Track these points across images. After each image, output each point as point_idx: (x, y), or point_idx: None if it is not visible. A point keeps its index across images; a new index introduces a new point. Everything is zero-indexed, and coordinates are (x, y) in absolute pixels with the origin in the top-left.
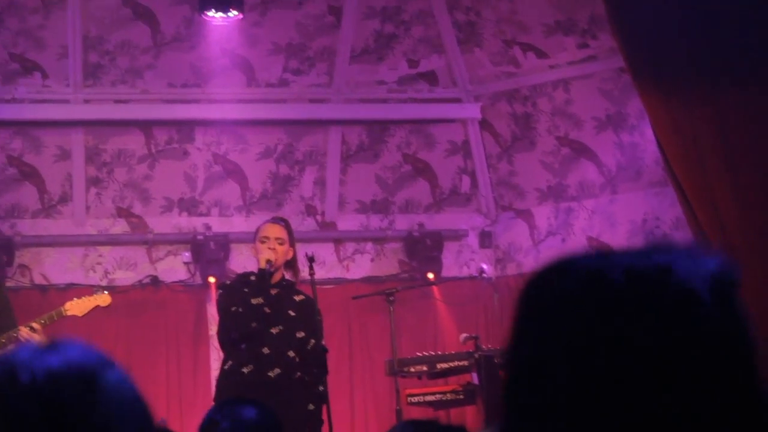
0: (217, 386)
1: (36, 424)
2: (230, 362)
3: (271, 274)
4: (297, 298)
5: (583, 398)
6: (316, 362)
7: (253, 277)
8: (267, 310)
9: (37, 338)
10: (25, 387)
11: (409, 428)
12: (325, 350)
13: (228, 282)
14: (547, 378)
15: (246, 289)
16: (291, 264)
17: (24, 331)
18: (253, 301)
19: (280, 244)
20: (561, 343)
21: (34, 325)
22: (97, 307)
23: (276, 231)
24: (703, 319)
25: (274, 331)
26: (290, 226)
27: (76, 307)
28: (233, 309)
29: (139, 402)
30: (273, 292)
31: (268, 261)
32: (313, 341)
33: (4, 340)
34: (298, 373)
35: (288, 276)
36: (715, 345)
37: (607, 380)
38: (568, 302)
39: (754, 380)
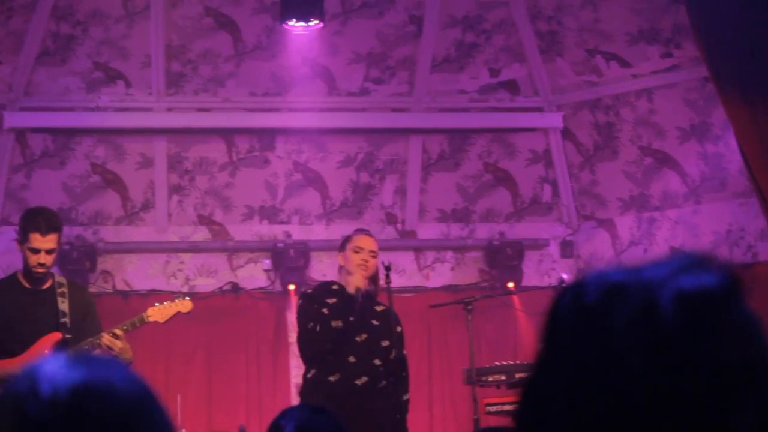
0: (302, 395)
1: None
2: (314, 371)
3: (357, 301)
4: (378, 308)
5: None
6: (400, 371)
7: (335, 286)
8: (351, 318)
9: (119, 345)
10: (45, 399)
11: None
12: (406, 358)
13: (309, 291)
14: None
15: (326, 308)
16: (372, 276)
17: (106, 338)
18: (333, 323)
19: (373, 257)
20: (554, 365)
21: (117, 331)
22: (179, 313)
23: (371, 243)
24: (657, 337)
25: (359, 339)
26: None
27: (158, 313)
28: (310, 326)
29: None
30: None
31: (358, 289)
32: (395, 351)
33: (87, 347)
34: (384, 382)
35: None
36: (673, 364)
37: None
38: (557, 324)
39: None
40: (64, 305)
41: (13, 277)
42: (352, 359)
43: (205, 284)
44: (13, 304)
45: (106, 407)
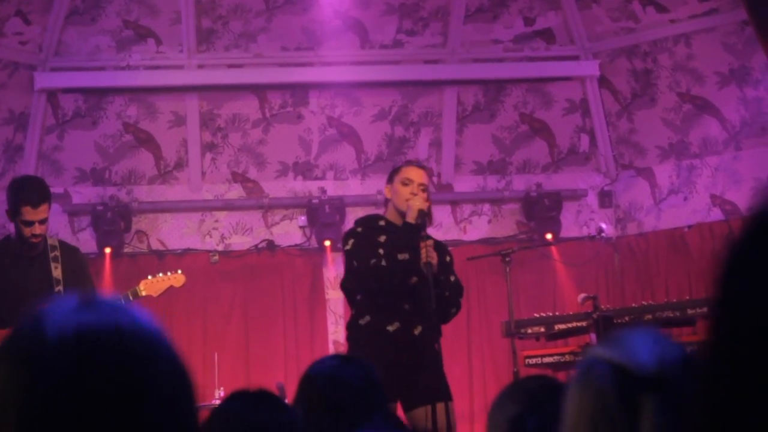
0: (355, 342)
1: (64, 379)
2: (368, 317)
3: (420, 228)
4: (429, 241)
5: None
6: (449, 291)
7: (382, 222)
8: (402, 257)
9: None
10: (51, 341)
11: (530, 383)
12: (457, 282)
13: (357, 228)
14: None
15: (382, 238)
16: (427, 213)
17: None
18: (400, 256)
19: (423, 190)
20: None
21: None
22: (171, 287)
23: (421, 176)
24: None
25: (410, 283)
26: (431, 174)
27: (151, 287)
28: (373, 262)
29: (185, 385)
30: (425, 238)
31: (421, 210)
32: (443, 277)
33: None
34: (429, 331)
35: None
36: None
37: None
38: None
39: None
40: (57, 271)
41: (5, 242)
42: (407, 306)
43: (241, 242)
44: (6, 272)
45: (113, 349)
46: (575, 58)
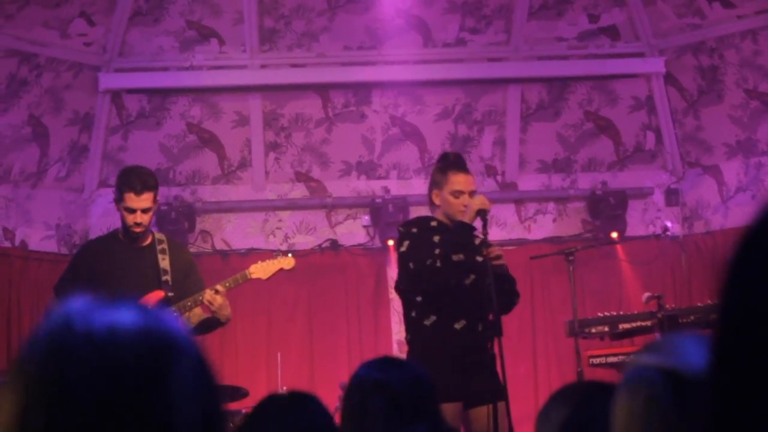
0: (420, 343)
1: (90, 370)
2: (434, 318)
3: (471, 228)
4: (477, 241)
5: None
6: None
7: (434, 223)
8: (457, 258)
9: (219, 300)
10: (80, 334)
11: (579, 387)
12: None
13: (412, 228)
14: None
15: (436, 238)
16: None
17: (208, 294)
18: (455, 257)
19: (472, 195)
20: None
21: (219, 287)
22: (281, 270)
23: (469, 183)
24: None
25: (467, 282)
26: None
27: (261, 270)
28: (429, 262)
29: (209, 388)
30: (477, 237)
31: (481, 210)
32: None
33: (189, 303)
34: (486, 329)
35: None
36: None
37: None
38: None
39: None
40: (165, 262)
41: (114, 234)
42: (470, 305)
43: (304, 242)
44: (115, 260)
45: (139, 344)
46: (641, 55)
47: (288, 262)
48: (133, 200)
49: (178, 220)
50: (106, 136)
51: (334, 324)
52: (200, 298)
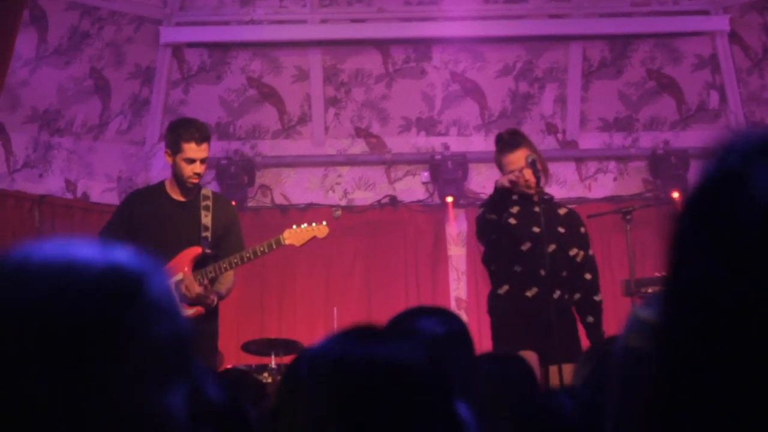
0: (495, 313)
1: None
2: (506, 286)
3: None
4: (561, 212)
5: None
6: (589, 272)
7: (515, 196)
8: (536, 229)
9: (227, 284)
10: (35, 268)
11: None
12: (593, 258)
13: (487, 200)
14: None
15: (515, 209)
16: (545, 172)
17: (237, 257)
18: (535, 228)
19: (529, 165)
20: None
21: (257, 249)
22: (315, 237)
23: (519, 159)
24: None
25: (549, 249)
26: (525, 138)
27: (295, 236)
28: (494, 237)
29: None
30: (537, 209)
31: (513, 182)
32: (582, 252)
33: (225, 265)
34: (577, 295)
35: (542, 183)
36: None
37: None
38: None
39: None
40: (207, 219)
41: (160, 186)
42: (543, 272)
43: (363, 197)
44: (157, 214)
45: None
46: (705, 12)
47: (322, 230)
48: (193, 150)
49: (238, 174)
50: (167, 89)
51: (391, 280)
52: (236, 260)
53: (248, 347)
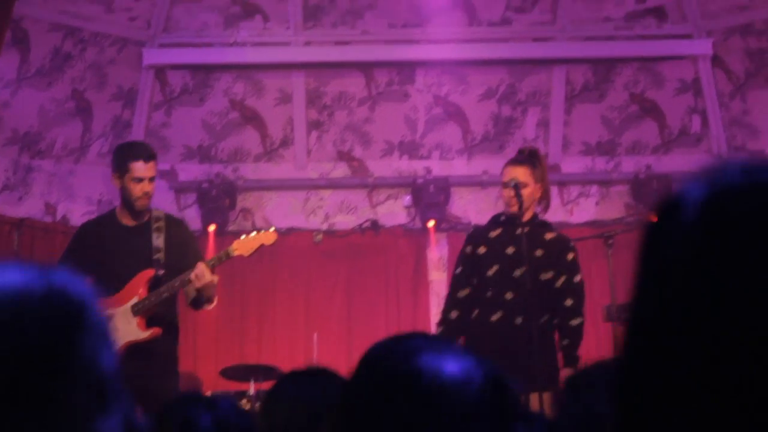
0: (468, 338)
1: None
2: (476, 311)
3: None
4: (548, 236)
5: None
6: (571, 297)
7: (503, 217)
8: (510, 250)
9: (207, 277)
10: None
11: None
12: (579, 285)
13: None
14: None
15: (494, 233)
16: (541, 200)
17: (197, 269)
18: (508, 250)
19: (522, 188)
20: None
21: (207, 263)
22: (263, 245)
23: (514, 173)
24: None
25: (517, 273)
26: (536, 160)
27: (243, 246)
28: (458, 270)
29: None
30: (519, 231)
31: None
32: (564, 278)
33: (177, 284)
34: (555, 320)
35: (539, 210)
36: None
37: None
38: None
39: None
40: (159, 240)
41: (111, 213)
42: (509, 296)
43: (345, 221)
44: (108, 241)
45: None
46: (688, 36)
47: (269, 237)
48: (141, 169)
49: (219, 197)
50: (150, 111)
51: (372, 305)
52: (187, 278)
53: (227, 373)
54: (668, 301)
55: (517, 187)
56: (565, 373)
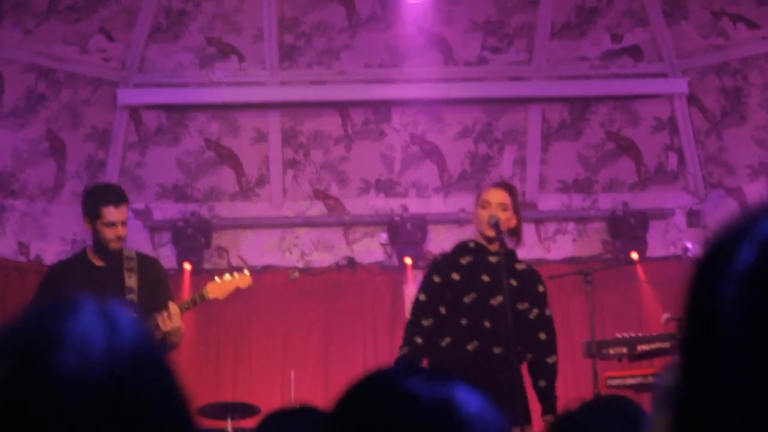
0: (437, 365)
1: None
2: (448, 339)
3: (491, 240)
4: (519, 267)
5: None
6: (544, 331)
7: (472, 244)
8: (485, 278)
9: (170, 325)
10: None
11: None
12: (550, 319)
13: (439, 258)
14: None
15: (465, 260)
16: (514, 231)
17: (160, 317)
18: (484, 278)
19: (503, 210)
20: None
21: (173, 310)
22: (238, 288)
23: (498, 196)
24: None
25: (494, 302)
26: (515, 191)
27: (218, 289)
28: (421, 298)
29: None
30: (493, 260)
31: (493, 217)
32: (536, 311)
33: (149, 326)
34: (519, 348)
35: (511, 245)
36: None
37: None
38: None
39: None
40: (131, 280)
41: (82, 254)
42: (487, 324)
43: (321, 259)
44: (79, 282)
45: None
46: (663, 75)
47: (244, 280)
48: (113, 213)
49: (195, 236)
50: (124, 151)
51: (349, 342)
52: (156, 320)
53: (204, 411)
54: (722, 344)
55: (498, 224)
56: (547, 419)
